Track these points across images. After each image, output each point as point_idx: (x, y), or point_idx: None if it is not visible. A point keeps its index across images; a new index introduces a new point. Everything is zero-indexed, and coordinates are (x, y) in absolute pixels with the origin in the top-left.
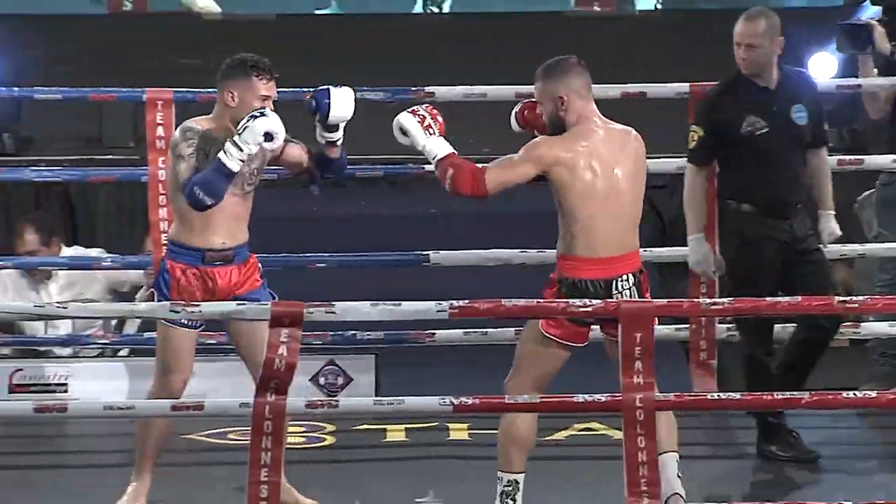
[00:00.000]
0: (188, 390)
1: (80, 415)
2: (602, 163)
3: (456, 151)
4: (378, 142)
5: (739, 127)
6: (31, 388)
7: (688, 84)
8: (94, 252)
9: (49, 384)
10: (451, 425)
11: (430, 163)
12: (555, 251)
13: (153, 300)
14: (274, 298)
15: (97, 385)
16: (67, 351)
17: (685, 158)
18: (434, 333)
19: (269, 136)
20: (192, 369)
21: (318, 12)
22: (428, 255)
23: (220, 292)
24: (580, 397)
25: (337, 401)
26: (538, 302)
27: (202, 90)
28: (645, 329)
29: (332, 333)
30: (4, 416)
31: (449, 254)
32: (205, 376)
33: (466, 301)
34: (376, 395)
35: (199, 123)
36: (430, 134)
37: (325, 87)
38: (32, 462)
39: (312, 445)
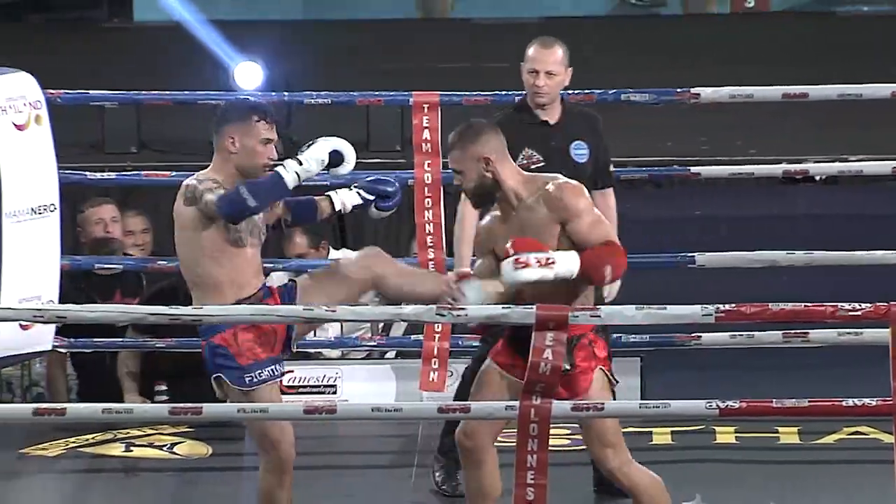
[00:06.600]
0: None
1: (349, 417)
2: None
3: (575, 251)
4: (643, 144)
5: (515, 159)
6: (301, 390)
7: None
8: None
9: (318, 386)
10: (717, 428)
11: (696, 164)
12: (826, 253)
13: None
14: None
15: (365, 387)
16: (336, 353)
17: None
18: (700, 336)
19: (337, 155)
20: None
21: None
22: (693, 256)
23: (280, 334)
24: (849, 401)
25: (602, 404)
26: (805, 306)
27: (469, 93)
28: None
29: None
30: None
31: (715, 255)
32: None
33: (733, 304)
34: (642, 399)
35: (208, 175)
36: (549, 262)
37: (386, 178)
38: (303, 463)
39: (577, 448)
